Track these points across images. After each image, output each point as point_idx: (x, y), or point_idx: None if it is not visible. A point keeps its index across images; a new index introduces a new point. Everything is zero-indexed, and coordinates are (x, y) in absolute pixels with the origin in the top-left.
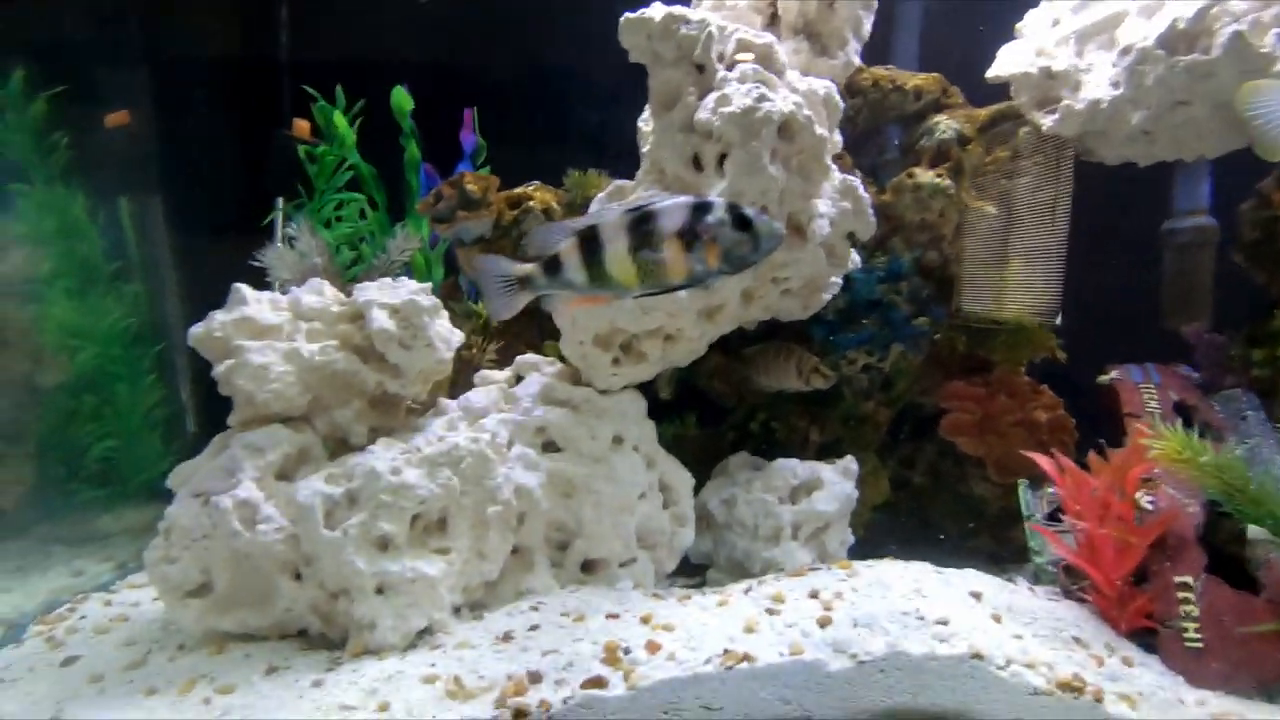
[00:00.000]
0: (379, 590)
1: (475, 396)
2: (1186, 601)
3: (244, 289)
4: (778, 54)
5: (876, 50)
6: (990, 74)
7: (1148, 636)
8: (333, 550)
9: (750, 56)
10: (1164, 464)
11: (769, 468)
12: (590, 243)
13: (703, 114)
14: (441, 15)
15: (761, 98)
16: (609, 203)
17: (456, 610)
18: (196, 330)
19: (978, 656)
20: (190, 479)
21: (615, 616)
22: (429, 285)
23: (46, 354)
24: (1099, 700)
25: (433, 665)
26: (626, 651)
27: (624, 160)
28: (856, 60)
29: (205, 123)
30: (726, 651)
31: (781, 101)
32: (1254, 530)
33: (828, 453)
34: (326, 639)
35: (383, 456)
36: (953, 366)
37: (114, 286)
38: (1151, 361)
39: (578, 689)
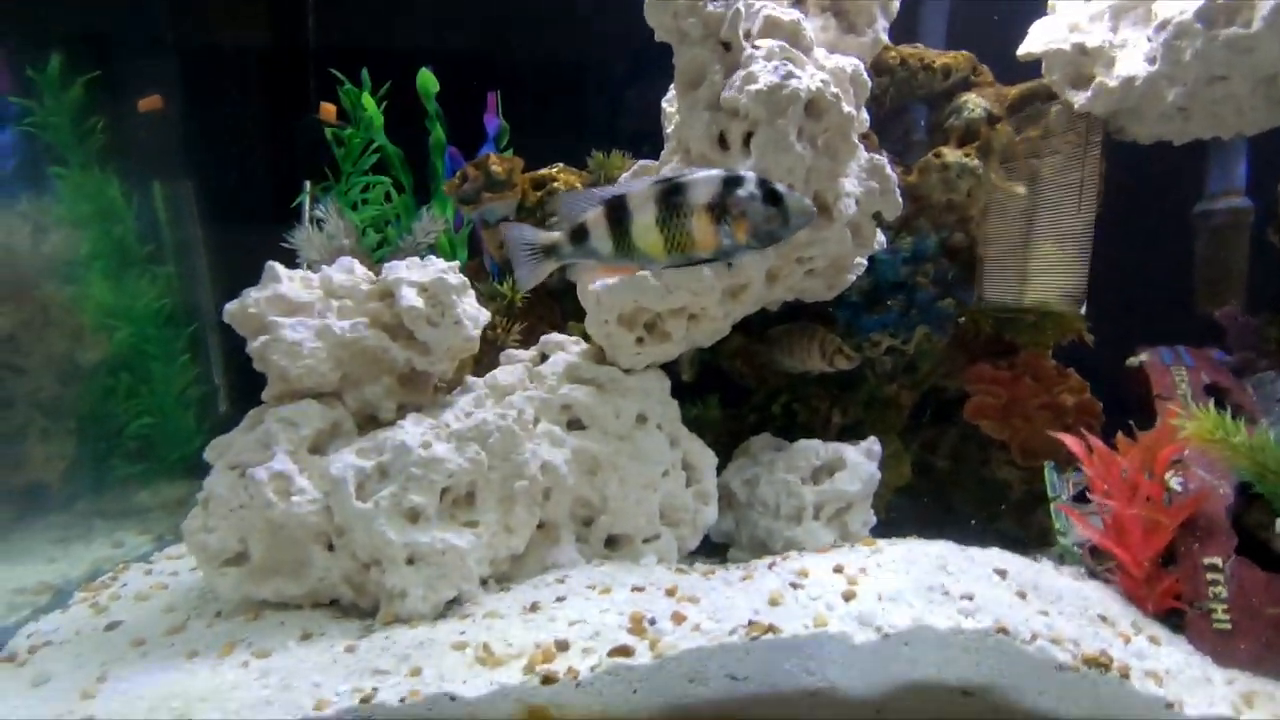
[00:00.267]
0: (409, 561)
1: (502, 374)
2: (1215, 583)
3: (277, 266)
4: (805, 31)
5: (904, 28)
6: (1022, 51)
7: (1175, 617)
8: (364, 521)
9: (776, 34)
10: (1196, 444)
11: (791, 448)
12: (618, 212)
13: (729, 92)
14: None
15: (788, 75)
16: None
17: (484, 582)
18: (231, 306)
19: (1003, 631)
20: (227, 451)
21: (640, 589)
22: (456, 264)
23: (86, 333)
24: (1125, 676)
25: (462, 633)
26: (652, 622)
27: (647, 142)
28: (884, 38)
29: (235, 107)
30: (751, 623)
31: (809, 79)
32: None
33: (850, 435)
34: (358, 608)
35: (412, 431)
36: (978, 349)
37: (148, 269)
38: (1182, 345)
39: (605, 657)
